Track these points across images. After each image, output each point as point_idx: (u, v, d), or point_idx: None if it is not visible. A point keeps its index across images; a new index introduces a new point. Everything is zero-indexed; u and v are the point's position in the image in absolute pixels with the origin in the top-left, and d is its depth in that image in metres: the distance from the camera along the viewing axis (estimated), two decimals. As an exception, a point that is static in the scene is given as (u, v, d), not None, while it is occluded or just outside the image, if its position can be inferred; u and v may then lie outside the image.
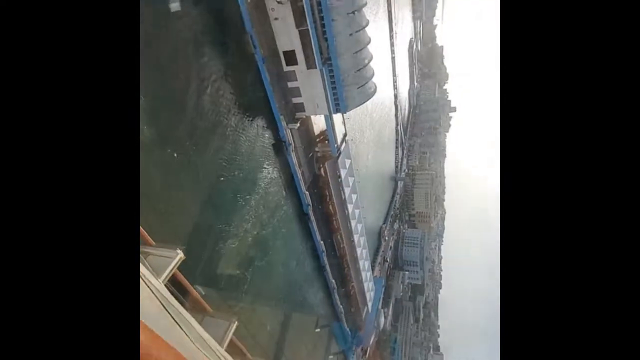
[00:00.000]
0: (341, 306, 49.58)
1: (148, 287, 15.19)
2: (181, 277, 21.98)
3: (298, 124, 32.51)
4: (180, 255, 18.42)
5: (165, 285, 17.36)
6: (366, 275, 55.29)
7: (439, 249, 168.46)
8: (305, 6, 25.17)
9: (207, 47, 24.99)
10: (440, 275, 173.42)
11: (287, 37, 27.90)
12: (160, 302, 15.51)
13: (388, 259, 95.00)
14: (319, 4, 25.01)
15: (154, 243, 19.60)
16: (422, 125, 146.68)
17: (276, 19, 27.12)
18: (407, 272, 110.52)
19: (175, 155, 23.02)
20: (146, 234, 19.36)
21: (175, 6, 22.57)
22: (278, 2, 25.49)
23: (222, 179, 27.46)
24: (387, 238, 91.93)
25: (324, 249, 41.50)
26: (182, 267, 19.41)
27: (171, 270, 18.05)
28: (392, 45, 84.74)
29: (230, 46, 26.61)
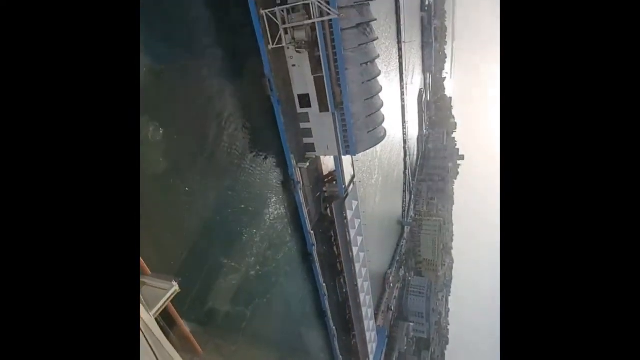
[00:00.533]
0: (341, 357, 46.44)
1: (135, 320, 14.50)
2: (173, 311, 21.08)
3: (308, 164, 33.13)
4: (175, 287, 17.86)
5: (156, 320, 16.66)
6: (369, 324, 52.40)
7: (447, 301, 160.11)
8: (321, 56, 26.93)
9: (228, 86, 26.55)
10: (448, 330, 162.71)
11: (302, 82, 29.55)
12: (145, 337, 14.71)
13: (392, 308, 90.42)
14: (335, 54, 26.74)
15: (150, 272, 19.13)
16: (430, 171, 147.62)
17: (294, 65, 28.95)
18: (412, 324, 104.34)
19: (187, 189, 23.47)
20: (144, 262, 19.02)
21: (202, 50, 24.44)
22: (297, 51, 27.36)
23: (229, 210, 27.58)
24: (392, 285, 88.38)
25: (326, 292, 39.98)
26: (177, 300, 18.82)
27: (164, 303, 17.39)
28: (402, 94, 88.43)
29: (249, 87, 28.19)
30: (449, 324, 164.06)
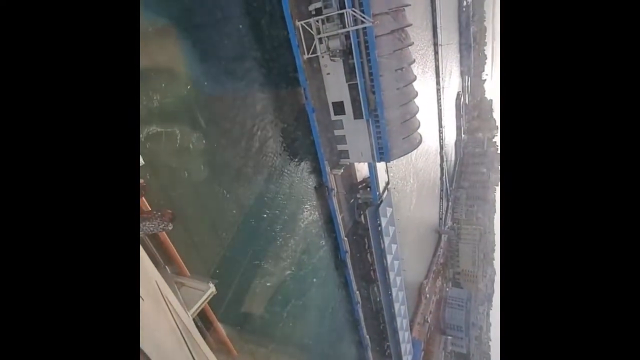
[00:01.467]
0: (374, 367, 45.45)
1: (173, 318, 15.00)
2: (210, 313, 21.76)
3: (342, 170, 33.24)
4: (212, 289, 18.24)
5: (193, 320, 17.21)
6: (404, 335, 50.84)
7: (488, 315, 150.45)
8: (356, 63, 27.07)
9: (264, 95, 27.54)
10: (489, 346, 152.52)
11: (337, 89, 29.85)
12: (183, 337, 15.17)
13: (429, 320, 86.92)
14: (369, 61, 26.74)
15: (189, 274, 19.91)
16: (469, 177, 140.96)
17: (328, 73, 29.37)
18: (449, 338, 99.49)
19: (225, 193, 24.55)
20: (183, 264, 19.98)
21: (240, 62, 25.65)
22: (331, 60, 27.75)
23: (265, 215, 28.37)
24: (428, 295, 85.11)
25: (359, 300, 39.51)
26: (213, 302, 19.45)
27: (201, 304, 17.82)
28: (439, 98, 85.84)
29: (284, 96, 29.04)
30: (490, 340, 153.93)
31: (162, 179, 20.49)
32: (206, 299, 18.36)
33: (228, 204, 25.07)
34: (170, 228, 18.35)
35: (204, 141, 22.49)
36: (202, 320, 20.82)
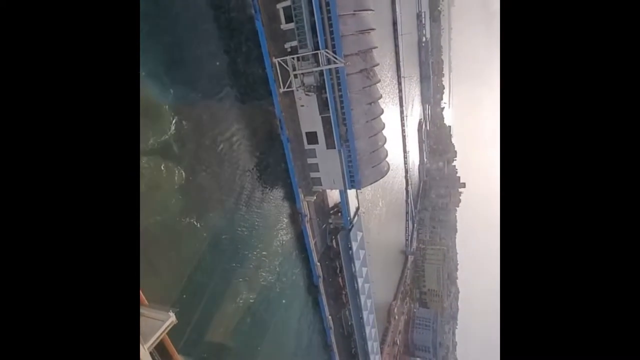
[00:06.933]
0: (346, 394, 45.06)
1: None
2: (169, 344, 20.05)
3: (314, 197, 34.36)
4: (172, 318, 17.28)
5: (151, 354, 16.18)
6: (375, 359, 51.17)
7: (454, 334, 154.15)
8: (329, 97, 29.02)
9: (241, 125, 28.35)
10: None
11: (310, 121, 31.51)
12: None
13: (398, 342, 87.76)
14: (341, 96, 28.80)
15: (147, 303, 18.72)
16: (431, 199, 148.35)
17: (302, 106, 31.04)
18: (418, 359, 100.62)
19: (195, 217, 24.48)
20: (142, 292, 18.94)
21: (219, 94, 26.50)
22: (306, 94, 29.50)
23: (235, 238, 28.24)
24: (397, 317, 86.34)
25: (331, 325, 39.73)
26: (173, 332, 18.36)
27: (160, 336, 16.92)
28: (403, 125, 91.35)
29: (261, 127, 30.06)
30: (457, 359, 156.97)
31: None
32: (165, 329, 17.13)
33: (198, 228, 24.84)
34: None
35: (175, 165, 22.68)
36: (160, 354, 19.24)
